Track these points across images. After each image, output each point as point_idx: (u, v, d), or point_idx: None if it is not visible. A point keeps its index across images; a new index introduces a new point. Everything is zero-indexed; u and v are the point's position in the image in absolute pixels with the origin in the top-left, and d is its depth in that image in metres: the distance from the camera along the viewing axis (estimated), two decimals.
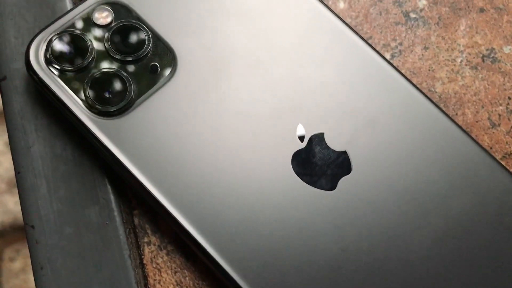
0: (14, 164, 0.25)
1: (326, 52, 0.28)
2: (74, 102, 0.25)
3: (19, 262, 0.93)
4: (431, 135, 0.27)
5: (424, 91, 0.30)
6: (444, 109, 0.29)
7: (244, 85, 0.26)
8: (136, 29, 0.27)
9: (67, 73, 0.25)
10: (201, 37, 0.27)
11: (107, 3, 0.27)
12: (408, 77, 0.30)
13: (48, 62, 0.25)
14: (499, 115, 0.30)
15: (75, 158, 0.26)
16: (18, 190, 0.25)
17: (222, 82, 0.26)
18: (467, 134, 0.27)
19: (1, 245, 0.93)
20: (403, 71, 0.30)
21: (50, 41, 0.26)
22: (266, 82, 0.27)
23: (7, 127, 0.26)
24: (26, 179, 0.25)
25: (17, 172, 0.25)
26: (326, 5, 0.29)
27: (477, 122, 0.29)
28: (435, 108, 0.27)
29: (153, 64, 0.26)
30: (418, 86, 0.29)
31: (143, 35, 0.26)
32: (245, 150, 0.25)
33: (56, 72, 0.25)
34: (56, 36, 0.26)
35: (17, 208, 0.96)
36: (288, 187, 0.25)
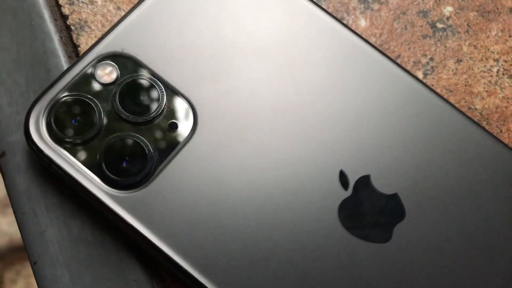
0: (28, 253, 0.22)
1: (356, 83, 0.25)
2: (87, 177, 0.22)
3: (21, 283, 0.90)
4: (480, 162, 0.24)
5: (464, 109, 0.27)
6: (487, 127, 0.27)
7: (271, 132, 0.24)
8: (147, 83, 0.23)
9: (75, 144, 0.22)
10: (218, 83, 0.24)
11: (109, 57, 0.24)
12: (445, 96, 0.27)
13: (52, 134, 0.22)
14: None
15: (96, 238, 0.23)
16: (37, 283, 0.22)
17: (248, 131, 0.23)
18: None
19: (1, 268, 0.90)
20: (438, 90, 0.27)
21: (51, 110, 0.22)
22: (296, 126, 0.24)
23: (14, 211, 0.23)
24: (44, 269, 0.22)
25: (32, 262, 0.22)
26: (349, 28, 0.26)
27: None
28: (479, 130, 0.25)
29: (171, 122, 0.23)
30: (456, 105, 0.27)
31: (155, 89, 0.23)
32: (285, 212, 0.22)
33: (62, 145, 0.22)
34: (57, 103, 0.23)
35: (11, 229, 0.93)
36: (341, 248, 0.22)
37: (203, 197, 0.22)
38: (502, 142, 0.25)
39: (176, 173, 0.22)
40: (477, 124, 0.25)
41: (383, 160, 0.24)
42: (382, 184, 0.23)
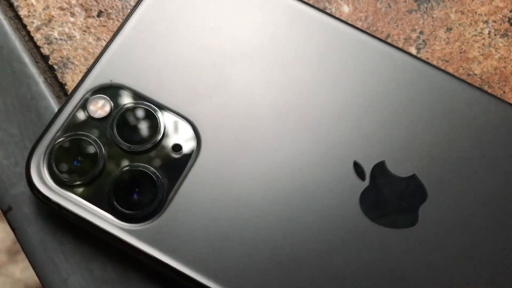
0: None
1: (352, 71, 0.24)
2: (100, 216, 0.21)
3: None
4: (491, 127, 0.24)
5: (463, 77, 0.27)
6: (489, 90, 0.26)
7: (276, 136, 0.23)
8: (143, 110, 0.23)
9: (82, 185, 0.22)
10: (214, 96, 0.23)
11: (99, 90, 0.23)
12: (442, 66, 0.27)
13: (56, 180, 0.22)
14: None
15: (120, 277, 0.22)
16: None
17: (253, 139, 0.23)
18: None
19: None
20: (434, 62, 0.27)
21: (51, 155, 0.22)
22: (299, 126, 0.23)
23: (31, 264, 0.22)
24: None
25: None
26: (334, 17, 0.25)
27: None
28: (484, 95, 0.24)
29: (174, 145, 0.23)
30: (455, 74, 0.26)
31: (152, 114, 0.23)
32: (307, 215, 0.22)
33: (68, 188, 0.22)
34: (56, 147, 0.22)
35: (25, 275, 0.92)
36: (370, 240, 0.22)
37: (220, 215, 0.22)
38: (509, 103, 0.24)
39: (188, 195, 0.22)
40: (480, 90, 0.25)
41: (395, 143, 0.23)
42: (398, 168, 0.23)
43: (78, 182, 0.22)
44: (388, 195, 0.23)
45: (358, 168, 0.23)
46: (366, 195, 0.22)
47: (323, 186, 0.22)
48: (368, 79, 0.24)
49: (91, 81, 0.23)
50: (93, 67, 0.23)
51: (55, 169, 0.22)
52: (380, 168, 0.23)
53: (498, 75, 0.27)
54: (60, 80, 0.25)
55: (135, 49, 0.24)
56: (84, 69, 0.25)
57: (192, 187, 0.22)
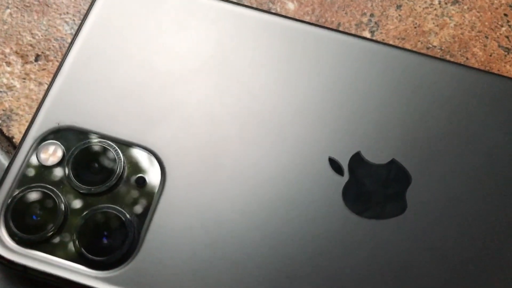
0: None
1: (309, 66, 0.23)
2: (71, 269, 0.20)
3: None
4: (460, 96, 0.23)
5: (423, 51, 0.26)
6: (452, 59, 0.26)
7: (243, 149, 0.22)
8: (98, 147, 0.21)
9: (45, 240, 0.20)
10: (169, 120, 0.22)
11: (48, 135, 0.21)
12: (400, 44, 0.26)
13: (17, 239, 0.20)
14: (507, 36, 0.26)
15: None
16: None
17: (219, 157, 0.22)
18: (495, 74, 0.24)
19: None
20: (391, 42, 0.26)
21: (7, 214, 0.20)
22: (265, 132, 0.22)
23: None
24: None
25: None
26: (281, 15, 0.24)
27: (490, 55, 0.26)
28: (448, 65, 0.24)
29: (138, 177, 0.21)
30: (415, 49, 0.26)
31: (108, 150, 0.21)
32: (291, 225, 0.21)
33: (32, 246, 0.20)
34: (11, 204, 0.20)
35: None
36: (363, 237, 0.20)
37: (198, 242, 0.20)
38: (475, 69, 0.24)
39: (161, 228, 0.20)
40: (443, 60, 0.24)
41: (367, 131, 0.22)
42: (375, 156, 0.22)
43: (41, 237, 0.20)
44: (371, 186, 0.21)
45: (334, 164, 0.22)
46: (348, 190, 0.21)
47: (303, 190, 0.21)
48: (325, 71, 0.23)
49: (38, 128, 0.22)
50: (38, 114, 0.22)
51: (13, 228, 0.20)
52: (357, 159, 0.22)
53: (457, 42, 0.26)
54: (7, 134, 0.23)
55: (77, 86, 0.22)
56: (30, 118, 0.24)
57: (164, 219, 0.20)
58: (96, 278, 0.19)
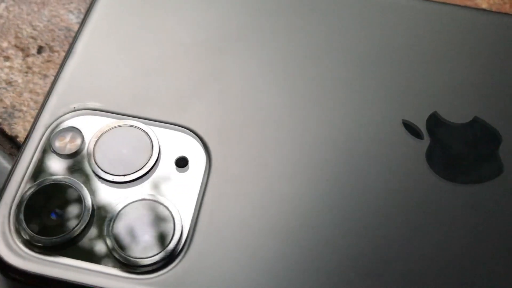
0: None
1: (378, 30, 0.20)
2: (108, 275, 0.15)
3: None
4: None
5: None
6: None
7: (301, 135, 0.18)
8: (126, 129, 0.17)
9: (69, 242, 0.16)
10: (207, 96, 0.19)
11: (62, 122, 0.18)
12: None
13: (33, 245, 0.16)
14: None
15: None
16: None
17: (277, 138, 0.18)
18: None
19: None
20: None
21: (18, 214, 0.16)
22: (332, 109, 0.19)
23: None
24: None
25: None
26: None
27: None
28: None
29: (178, 159, 0.17)
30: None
31: (138, 131, 0.17)
32: (376, 209, 0.17)
33: (52, 251, 0.16)
34: (23, 204, 0.16)
35: None
36: (460, 206, 0.17)
37: (252, 236, 0.16)
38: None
39: (212, 221, 0.16)
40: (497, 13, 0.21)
41: (440, 90, 0.19)
42: (454, 114, 0.18)
43: (65, 240, 0.16)
44: (457, 148, 0.18)
45: (410, 128, 0.18)
46: (433, 154, 0.18)
47: (381, 162, 0.17)
48: (391, 34, 0.20)
49: (50, 114, 0.18)
50: (47, 100, 0.18)
51: (27, 230, 0.16)
52: (434, 120, 0.18)
53: (508, 3, 0.24)
54: (9, 133, 0.20)
55: (92, 66, 0.19)
56: (35, 114, 0.20)
57: (214, 209, 0.16)
58: (139, 283, 0.15)
